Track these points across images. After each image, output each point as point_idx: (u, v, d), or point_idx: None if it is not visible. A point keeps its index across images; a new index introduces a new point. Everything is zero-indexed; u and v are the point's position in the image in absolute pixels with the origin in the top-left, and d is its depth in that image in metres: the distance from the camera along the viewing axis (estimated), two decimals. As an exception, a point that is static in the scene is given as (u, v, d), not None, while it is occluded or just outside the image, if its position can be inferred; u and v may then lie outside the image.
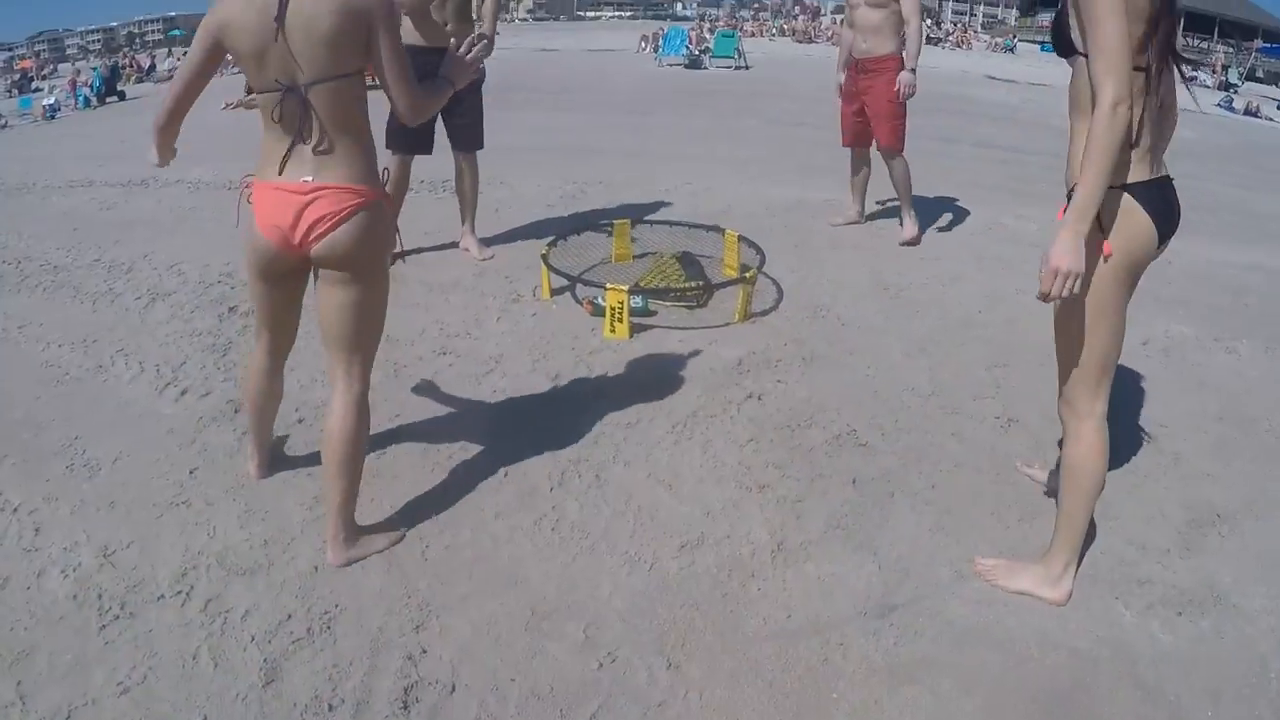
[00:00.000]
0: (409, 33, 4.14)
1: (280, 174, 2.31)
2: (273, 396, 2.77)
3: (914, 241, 5.62)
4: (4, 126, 17.99)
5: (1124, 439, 3.22)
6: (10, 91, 27.68)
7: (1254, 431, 3.46)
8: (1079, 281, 2.07)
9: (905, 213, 5.68)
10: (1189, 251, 5.68)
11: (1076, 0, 2.06)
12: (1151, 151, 2.17)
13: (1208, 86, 29.03)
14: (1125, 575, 2.54)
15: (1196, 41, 45.61)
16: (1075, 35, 2.10)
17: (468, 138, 4.95)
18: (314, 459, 2.96)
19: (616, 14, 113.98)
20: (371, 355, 2.52)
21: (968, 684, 2.16)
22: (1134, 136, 2.09)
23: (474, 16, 4.78)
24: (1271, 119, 21.30)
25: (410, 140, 4.50)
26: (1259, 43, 42.03)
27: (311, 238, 2.30)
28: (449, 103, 2.53)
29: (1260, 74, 37.99)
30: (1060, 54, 2.20)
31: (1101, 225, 2.13)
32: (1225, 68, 33.65)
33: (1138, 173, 2.14)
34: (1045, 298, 2.10)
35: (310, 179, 2.28)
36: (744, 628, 2.32)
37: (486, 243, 5.27)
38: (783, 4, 47.54)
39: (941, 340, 4.13)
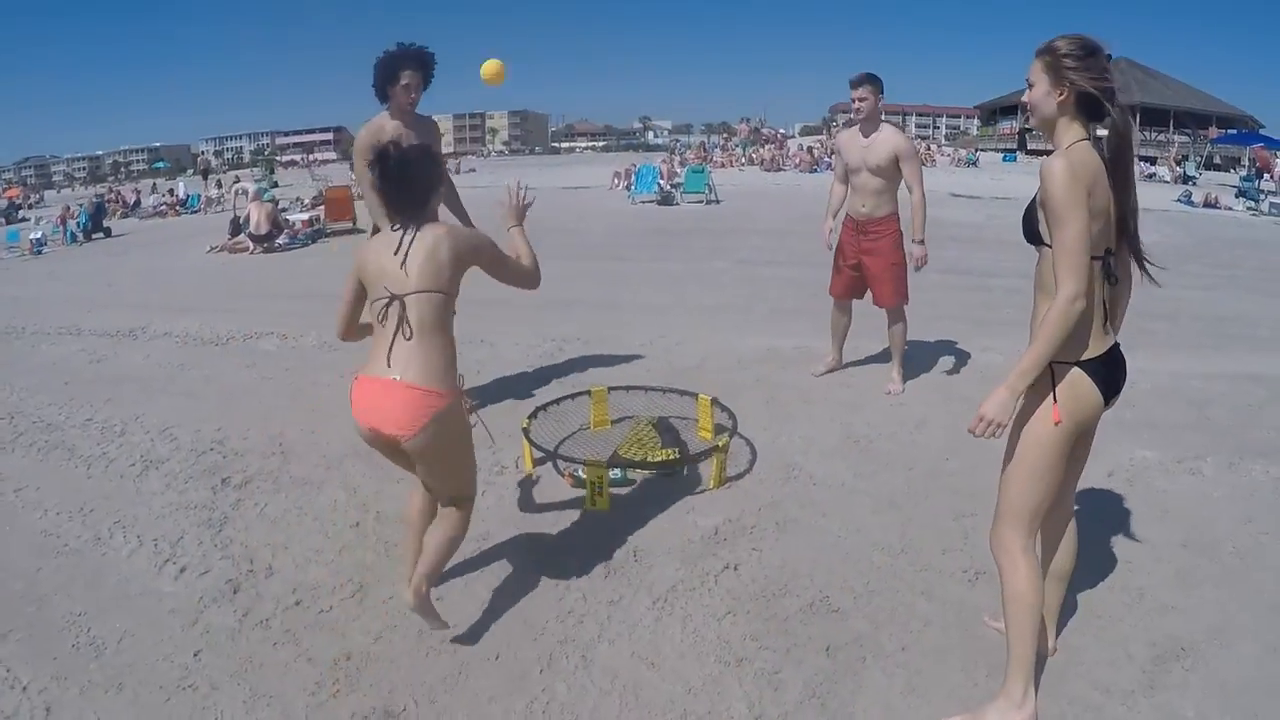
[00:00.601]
0: (376, 209, 3.91)
1: (374, 369, 2.81)
2: (429, 515, 3.15)
3: (898, 392, 5.77)
4: (-7, 262, 18.11)
5: (1089, 580, 3.37)
6: (-2, 221, 27.79)
7: (1218, 555, 3.62)
8: (1000, 429, 2.43)
9: (896, 367, 5.88)
10: (1153, 369, 5.96)
11: (1045, 200, 2.36)
12: (1104, 327, 2.47)
13: (1166, 181, 30.09)
14: (1091, 723, 2.65)
15: (1153, 134, 47.03)
16: (1043, 228, 2.41)
17: None
18: (315, 643, 3.09)
19: (590, 144, 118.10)
20: (470, 494, 3.09)
21: None
22: (1089, 318, 2.38)
23: None
24: (1231, 208, 22.09)
25: None
26: (1214, 130, 42.94)
27: (390, 430, 2.75)
28: None
29: (1218, 160, 38.78)
30: (1029, 242, 2.51)
31: (1055, 396, 2.43)
32: (1183, 159, 34.36)
33: (1092, 349, 2.43)
34: (971, 433, 2.47)
35: (397, 376, 2.75)
36: (726, 809, 2.42)
37: (469, 407, 5.41)
38: (751, 134, 49.39)
39: (910, 493, 4.26)
